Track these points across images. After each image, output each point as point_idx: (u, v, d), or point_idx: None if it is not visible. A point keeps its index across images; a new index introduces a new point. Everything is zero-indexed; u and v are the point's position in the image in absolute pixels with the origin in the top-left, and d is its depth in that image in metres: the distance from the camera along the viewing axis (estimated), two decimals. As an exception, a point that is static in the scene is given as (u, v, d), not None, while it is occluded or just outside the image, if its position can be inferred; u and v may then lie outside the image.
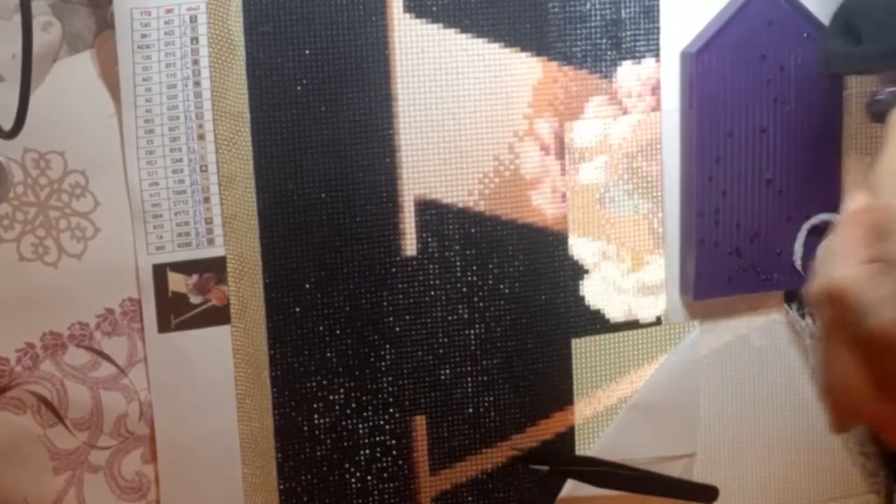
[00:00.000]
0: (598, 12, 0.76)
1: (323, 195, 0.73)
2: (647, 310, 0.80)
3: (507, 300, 0.77)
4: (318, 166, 0.72)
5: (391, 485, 0.77)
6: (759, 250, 0.80)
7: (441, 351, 0.77)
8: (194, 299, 0.72)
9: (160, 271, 0.71)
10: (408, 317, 0.76)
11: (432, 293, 0.76)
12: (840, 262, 0.54)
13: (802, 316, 0.82)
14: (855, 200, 0.59)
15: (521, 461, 0.79)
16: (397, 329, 0.76)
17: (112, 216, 0.70)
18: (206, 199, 0.71)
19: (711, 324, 0.82)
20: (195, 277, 0.72)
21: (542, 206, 0.77)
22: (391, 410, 0.77)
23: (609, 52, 0.76)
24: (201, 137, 0.70)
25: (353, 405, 0.76)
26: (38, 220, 0.69)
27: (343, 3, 0.71)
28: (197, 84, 0.70)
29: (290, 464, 0.75)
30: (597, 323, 0.80)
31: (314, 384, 0.75)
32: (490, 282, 0.77)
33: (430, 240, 0.75)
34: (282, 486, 0.75)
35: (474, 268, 0.76)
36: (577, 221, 0.78)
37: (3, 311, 0.69)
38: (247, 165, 0.71)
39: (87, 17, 0.68)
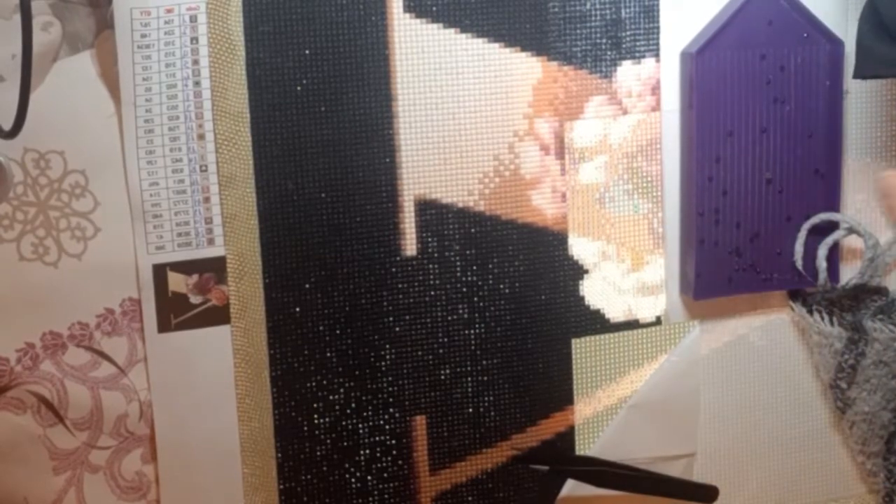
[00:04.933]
0: (598, 12, 0.76)
1: (323, 195, 0.73)
2: (647, 310, 0.80)
3: (507, 300, 0.77)
4: (318, 166, 0.72)
5: (391, 485, 0.77)
6: (759, 250, 0.80)
7: (441, 351, 0.77)
8: (194, 299, 0.72)
9: (160, 271, 0.71)
10: (408, 317, 0.76)
11: (432, 293, 0.76)
12: None
13: (810, 313, 0.82)
14: None
15: (521, 461, 0.80)
16: (397, 329, 0.76)
17: (112, 216, 0.70)
18: (206, 199, 0.71)
19: (711, 324, 0.82)
20: (195, 277, 0.72)
21: (542, 206, 0.77)
22: (391, 410, 0.77)
23: (609, 52, 0.76)
24: (201, 137, 0.70)
25: (353, 405, 0.76)
26: (38, 220, 0.69)
27: (343, 3, 0.71)
28: (197, 84, 0.70)
29: (290, 464, 0.75)
30: (597, 323, 0.80)
31: (314, 384, 0.75)
32: (490, 282, 0.77)
33: (430, 240, 0.75)
34: (282, 486, 0.75)
35: (474, 268, 0.77)
36: (577, 221, 0.78)
37: (3, 311, 0.69)
38: (247, 165, 0.71)
39: (87, 17, 0.68)
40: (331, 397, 0.75)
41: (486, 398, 0.78)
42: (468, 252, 0.76)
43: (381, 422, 0.77)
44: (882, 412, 0.82)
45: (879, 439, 0.84)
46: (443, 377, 0.77)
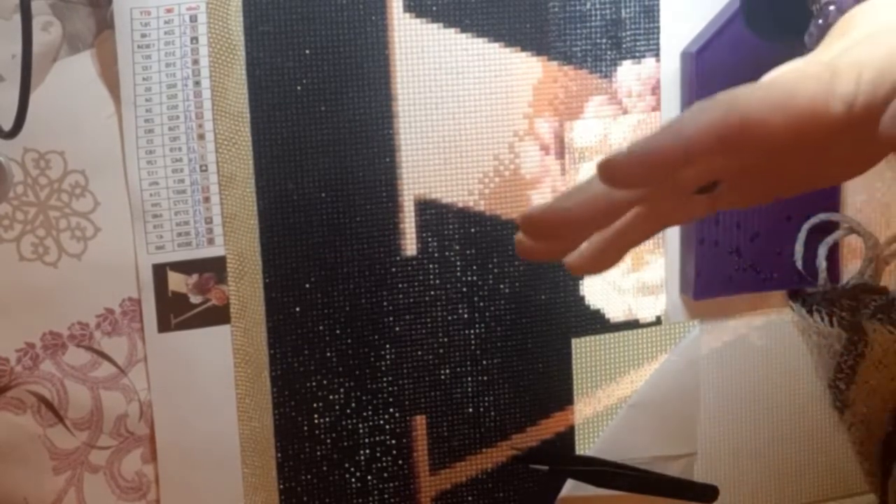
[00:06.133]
0: (598, 12, 0.76)
1: (323, 195, 0.73)
2: (647, 310, 0.80)
3: (507, 300, 0.77)
4: (318, 166, 0.72)
5: (391, 485, 0.77)
6: (759, 250, 0.80)
7: (441, 351, 0.77)
8: (194, 299, 0.72)
9: (160, 271, 0.71)
10: (408, 316, 0.76)
11: (432, 293, 0.76)
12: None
13: (810, 313, 0.82)
14: None
15: (521, 461, 0.80)
16: (397, 329, 0.76)
17: (112, 216, 0.70)
18: (206, 199, 0.71)
19: (711, 324, 0.82)
20: (195, 277, 0.72)
21: (542, 206, 0.77)
22: (391, 410, 0.77)
23: (609, 52, 0.76)
24: (201, 137, 0.70)
25: (353, 405, 0.76)
26: (38, 220, 0.69)
27: (343, 3, 0.71)
28: (197, 84, 0.70)
29: (290, 464, 0.75)
30: (597, 323, 0.80)
31: (314, 384, 0.75)
32: (490, 282, 0.77)
33: (430, 240, 0.75)
34: (282, 486, 0.75)
35: (474, 268, 0.77)
36: (577, 221, 0.78)
37: (3, 311, 0.69)
38: (247, 165, 0.71)
39: (87, 17, 0.68)
40: (331, 397, 0.75)
41: (486, 398, 0.78)
42: (468, 252, 0.76)
43: (381, 422, 0.77)
44: (880, 413, 0.83)
45: (878, 440, 0.84)
46: (443, 377, 0.77)
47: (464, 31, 0.73)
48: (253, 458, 0.75)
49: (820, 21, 0.59)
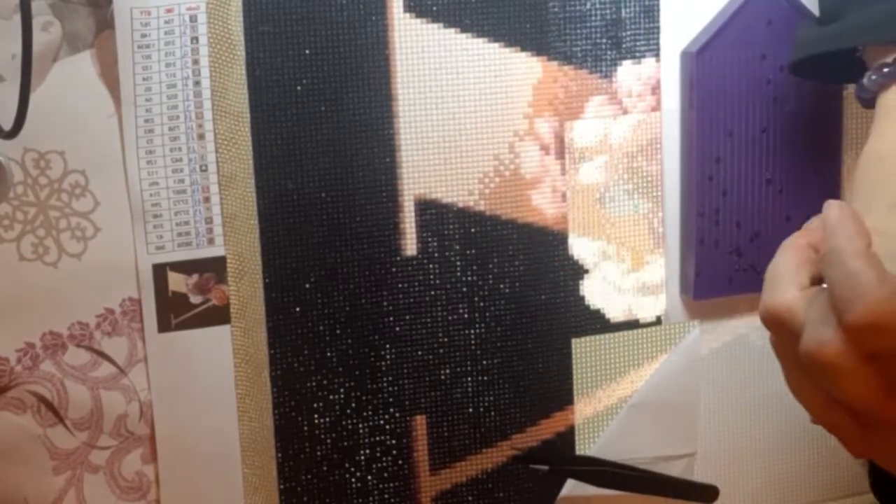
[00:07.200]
0: (598, 12, 0.76)
1: (323, 195, 0.73)
2: (647, 310, 0.80)
3: (507, 300, 0.77)
4: (318, 166, 0.72)
5: (391, 484, 0.77)
6: (759, 250, 0.80)
7: (441, 351, 0.77)
8: (194, 299, 0.72)
9: (160, 271, 0.71)
10: (408, 317, 0.76)
11: (432, 293, 0.76)
12: (781, 285, 0.56)
13: None
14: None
15: (521, 461, 0.80)
16: (397, 329, 0.76)
17: (112, 216, 0.70)
18: (206, 199, 0.71)
19: (711, 324, 0.82)
20: (195, 277, 0.72)
21: (542, 206, 0.77)
22: (391, 410, 0.77)
23: (609, 52, 0.76)
24: (201, 137, 0.70)
25: (353, 405, 0.76)
26: (38, 220, 0.69)
27: (343, 3, 0.71)
28: (197, 84, 0.70)
29: (290, 464, 0.75)
30: (597, 323, 0.80)
31: (314, 384, 0.75)
32: (490, 281, 0.77)
33: (430, 240, 0.75)
34: (282, 486, 0.75)
35: (474, 268, 0.77)
36: (577, 221, 0.78)
37: (3, 311, 0.69)
38: (247, 165, 0.71)
39: (87, 17, 0.68)
40: (331, 397, 0.75)
41: (486, 398, 0.78)
42: (468, 252, 0.76)
43: (381, 422, 0.77)
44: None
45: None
46: (443, 377, 0.77)
47: (464, 31, 0.73)
48: (253, 458, 0.75)
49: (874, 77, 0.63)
